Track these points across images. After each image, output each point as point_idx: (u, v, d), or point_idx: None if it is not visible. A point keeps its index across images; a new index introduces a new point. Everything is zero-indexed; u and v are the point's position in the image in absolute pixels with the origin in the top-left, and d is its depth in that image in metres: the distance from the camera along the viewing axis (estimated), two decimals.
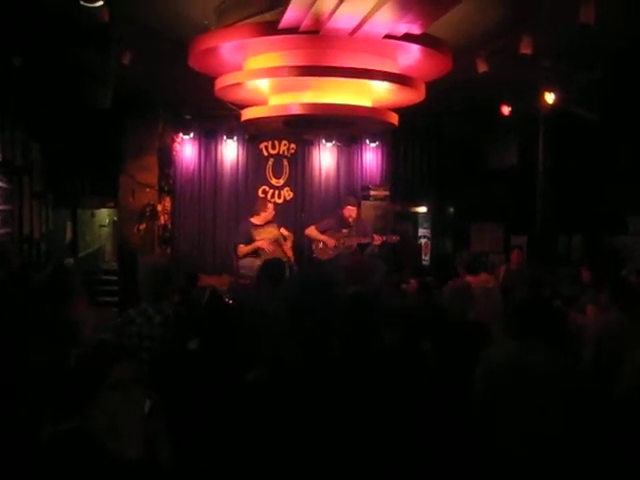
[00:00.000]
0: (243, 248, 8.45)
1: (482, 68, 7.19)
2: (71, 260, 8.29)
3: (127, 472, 2.21)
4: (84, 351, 2.64)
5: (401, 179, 11.39)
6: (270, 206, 8.86)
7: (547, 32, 6.33)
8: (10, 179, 7.73)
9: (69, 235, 10.43)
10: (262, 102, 7.53)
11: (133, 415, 2.33)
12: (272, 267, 5.20)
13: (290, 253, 8.62)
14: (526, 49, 6.49)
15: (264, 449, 2.57)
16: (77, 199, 9.91)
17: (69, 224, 10.43)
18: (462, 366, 3.38)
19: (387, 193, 10.95)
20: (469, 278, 5.63)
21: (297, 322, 3.11)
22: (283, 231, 8.83)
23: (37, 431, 2.32)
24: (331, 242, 8.81)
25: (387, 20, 5.63)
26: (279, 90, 7.24)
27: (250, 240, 8.46)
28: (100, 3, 5.08)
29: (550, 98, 8.04)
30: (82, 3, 5.05)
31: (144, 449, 2.30)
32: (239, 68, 6.92)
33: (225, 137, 10.76)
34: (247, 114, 7.64)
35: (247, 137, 10.81)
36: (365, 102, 7.24)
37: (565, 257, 9.55)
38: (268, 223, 8.68)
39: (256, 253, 8.37)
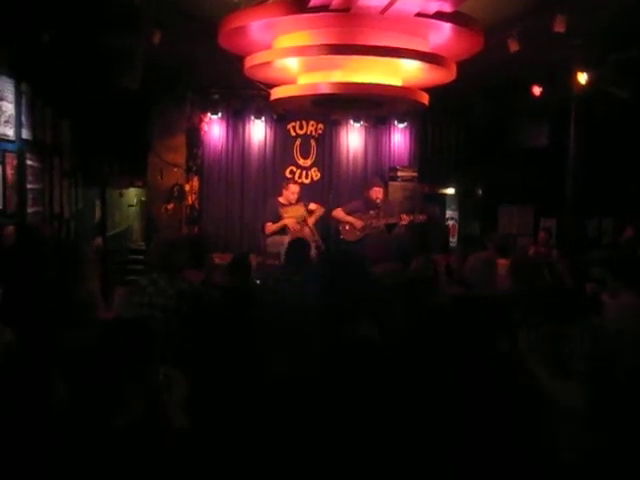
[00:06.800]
0: (270, 226, 8.50)
1: (514, 47, 7.10)
2: (100, 239, 8.34)
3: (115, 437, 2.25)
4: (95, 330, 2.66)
5: (429, 160, 11.29)
6: (291, 187, 8.82)
7: (582, 10, 6.22)
8: (41, 158, 7.79)
9: (98, 214, 10.50)
10: (291, 81, 7.50)
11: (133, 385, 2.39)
12: (296, 249, 5.31)
13: (311, 224, 8.55)
14: (559, 27, 6.39)
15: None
16: (106, 178, 9.98)
17: (98, 203, 10.50)
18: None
19: (415, 174, 10.87)
20: (500, 260, 5.57)
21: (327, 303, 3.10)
22: (312, 206, 8.81)
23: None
24: (358, 223, 8.78)
25: None
26: (308, 69, 7.21)
27: (277, 218, 8.50)
28: None
29: (583, 78, 7.92)
30: None
31: (144, 417, 2.34)
32: (268, 47, 6.90)
33: (253, 117, 10.74)
34: (276, 93, 7.63)
35: (275, 117, 10.79)
36: (395, 81, 7.18)
37: (595, 240, 9.43)
38: (296, 202, 8.70)
39: (283, 231, 8.41)
